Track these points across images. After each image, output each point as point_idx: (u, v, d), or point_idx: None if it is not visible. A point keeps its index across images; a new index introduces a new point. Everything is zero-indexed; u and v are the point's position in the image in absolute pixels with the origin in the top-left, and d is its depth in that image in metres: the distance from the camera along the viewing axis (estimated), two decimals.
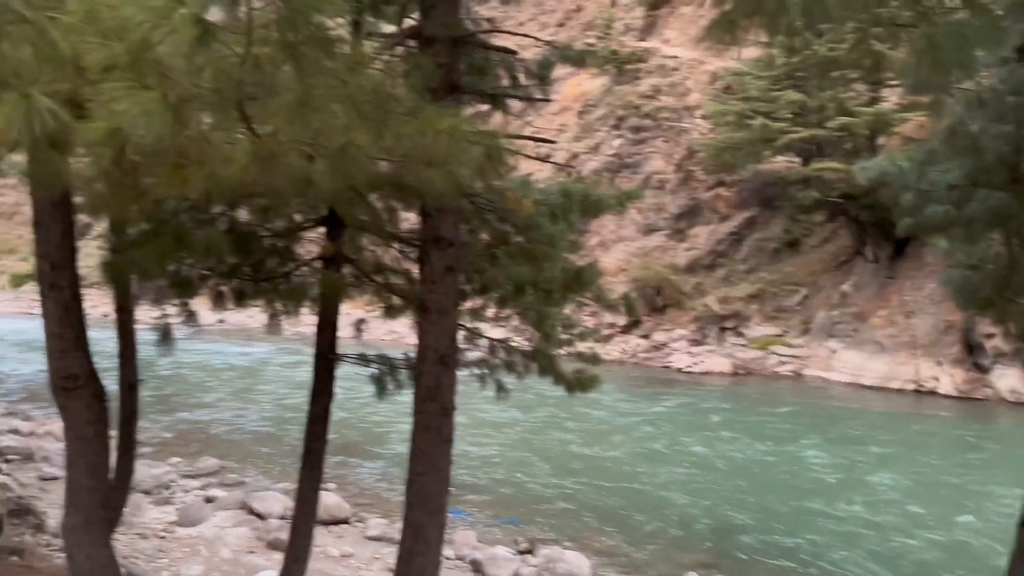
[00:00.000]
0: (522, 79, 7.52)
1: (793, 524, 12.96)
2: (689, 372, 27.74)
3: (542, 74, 7.40)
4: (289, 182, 2.73)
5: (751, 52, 28.59)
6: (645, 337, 30.88)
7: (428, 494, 5.65)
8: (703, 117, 33.99)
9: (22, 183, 6.42)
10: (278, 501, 13.34)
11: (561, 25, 42.61)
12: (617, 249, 33.73)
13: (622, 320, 28.60)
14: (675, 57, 36.62)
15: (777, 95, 29.30)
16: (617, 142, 36.27)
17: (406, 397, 6.54)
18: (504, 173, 3.04)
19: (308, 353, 7.18)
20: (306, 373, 7.18)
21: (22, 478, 13.32)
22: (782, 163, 31.17)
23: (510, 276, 6.24)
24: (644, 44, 38.22)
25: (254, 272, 6.69)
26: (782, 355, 27.96)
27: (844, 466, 16.55)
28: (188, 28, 1.94)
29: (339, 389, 7.11)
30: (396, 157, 2.89)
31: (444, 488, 5.80)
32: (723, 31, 2.83)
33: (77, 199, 4.88)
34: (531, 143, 7.32)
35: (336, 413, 7.29)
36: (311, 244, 7.27)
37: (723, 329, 30.30)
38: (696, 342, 30.00)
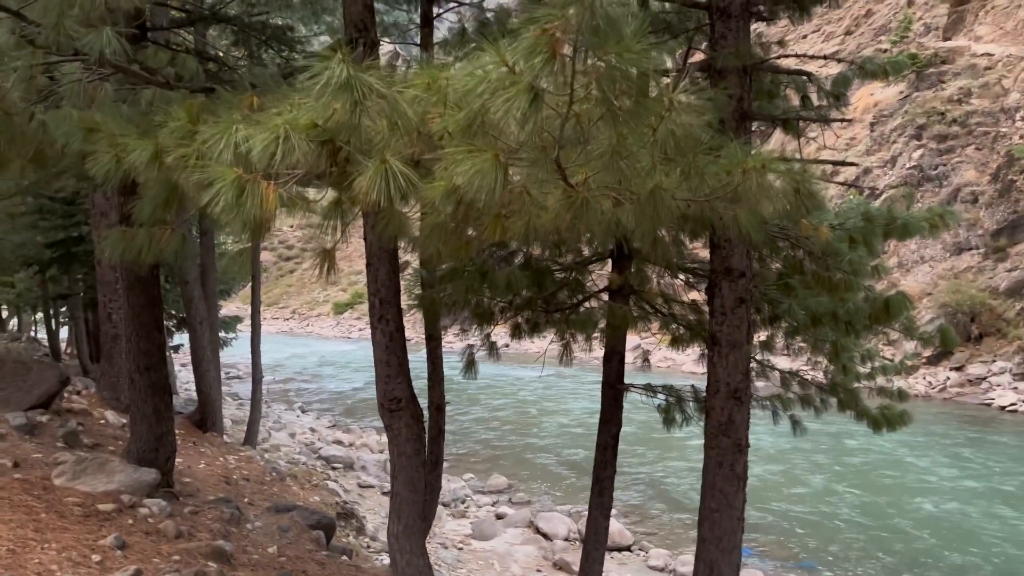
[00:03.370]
0: (814, 99, 7.15)
1: None
2: (1016, 411, 24.06)
3: (837, 93, 6.98)
4: (599, 226, 2.86)
5: None
6: (957, 370, 27.39)
7: (722, 531, 5.51)
8: None
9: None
10: (563, 522, 13.77)
11: (849, 33, 39.83)
12: (920, 271, 30.44)
13: (927, 350, 25.66)
14: (988, 55, 32.43)
15: None
16: (917, 153, 32.85)
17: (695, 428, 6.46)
18: (814, 208, 2.92)
19: (586, 379, 7.39)
20: (584, 397, 7.38)
21: (345, 484, 15.14)
22: None
23: (806, 307, 5.91)
24: (949, 44, 34.37)
25: (546, 304, 7.05)
26: None
27: None
28: (523, 96, 2.13)
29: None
30: (700, 197, 2.89)
31: (738, 526, 5.61)
32: None
33: (402, 243, 5.50)
34: (816, 154, 6.92)
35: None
36: (598, 276, 7.50)
37: None
38: (1022, 376, 25.97)
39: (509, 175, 2.56)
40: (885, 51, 36.12)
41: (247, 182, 2.59)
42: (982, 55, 32.63)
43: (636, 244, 5.71)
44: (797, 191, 2.97)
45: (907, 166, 32.96)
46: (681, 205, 2.88)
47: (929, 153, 32.49)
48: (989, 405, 24.98)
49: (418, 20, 8.42)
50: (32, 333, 32.71)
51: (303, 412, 24.85)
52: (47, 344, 22.92)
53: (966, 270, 29.57)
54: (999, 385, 25.86)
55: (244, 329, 19.28)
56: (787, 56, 6.09)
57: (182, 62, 4.81)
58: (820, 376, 7.50)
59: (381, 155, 2.58)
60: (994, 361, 27.05)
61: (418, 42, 8.03)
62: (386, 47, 8.41)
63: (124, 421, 10.19)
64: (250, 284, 17.03)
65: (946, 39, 34.92)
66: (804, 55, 6.44)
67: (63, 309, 21.03)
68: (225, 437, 14.29)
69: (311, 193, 3.37)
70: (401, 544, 5.86)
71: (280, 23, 10.55)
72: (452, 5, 7.97)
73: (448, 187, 2.51)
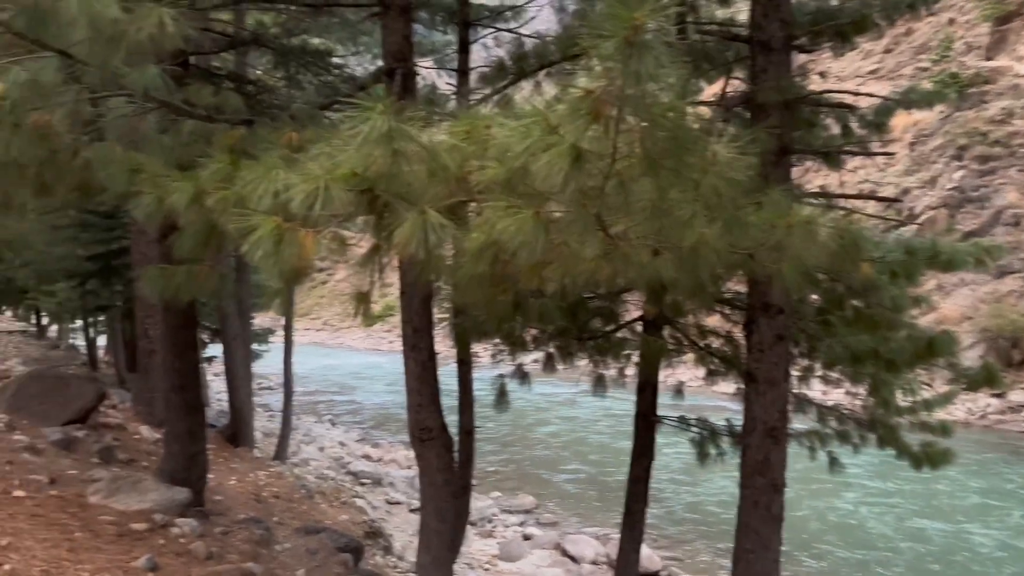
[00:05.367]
0: (855, 128, 7.04)
1: None
2: None
3: (880, 122, 6.88)
4: (639, 278, 2.81)
5: None
6: (998, 396, 26.69)
7: (756, 573, 5.39)
8: None
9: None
10: (590, 545, 13.63)
11: (888, 51, 39.28)
12: (960, 294, 29.77)
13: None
14: None
15: None
16: (958, 174, 32.22)
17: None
18: (859, 257, 2.85)
19: (618, 400, 7.32)
20: (615, 420, 7.30)
21: (373, 501, 15.15)
22: None
23: (846, 344, 5.79)
24: (991, 63, 33.74)
25: (579, 332, 6.99)
26: None
27: None
28: (566, 156, 2.10)
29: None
30: (743, 249, 2.83)
31: (774, 568, 5.49)
32: None
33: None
34: (852, 175, 6.80)
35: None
36: (632, 304, 7.43)
37: None
38: None
39: (549, 229, 2.53)
40: (926, 70, 35.62)
41: (286, 230, 2.59)
42: None
43: (676, 295, 5.63)
44: (843, 242, 2.90)
45: (947, 187, 32.35)
46: (723, 256, 2.82)
47: (970, 174, 31.87)
48: None
49: (455, 43, 8.47)
50: (70, 341, 33.36)
51: (332, 425, 24.96)
52: (85, 352, 23.35)
53: (1008, 294, 28.88)
54: None
55: (276, 341, 19.45)
56: (831, 92, 5.98)
57: (224, 97, 4.87)
58: (857, 407, 7.33)
59: (420, 205, 2.57)
60: None
61: (455, 67, 8.06)
62: (425, 71, 8.47)
63: (158, 436, 10.30)
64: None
65: (988, 59, 34.29)
66: (843, 91, 6.32)
67: (101, 319, 21.39)
68: (256, 452, 14.40)
69: (348, 231, 3.37)
70: (429, 574, 5.82)
71: (318, 45, 10.67)
72: (488, 31, 8.00)
73: (488, 241, 2.49)
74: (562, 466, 20.21)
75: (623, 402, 7.24)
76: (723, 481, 16.89)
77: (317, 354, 44.88)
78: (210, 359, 20.34)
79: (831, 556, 13.77)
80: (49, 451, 7.99)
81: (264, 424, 20.47)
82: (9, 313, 38.31)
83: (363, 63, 13.19)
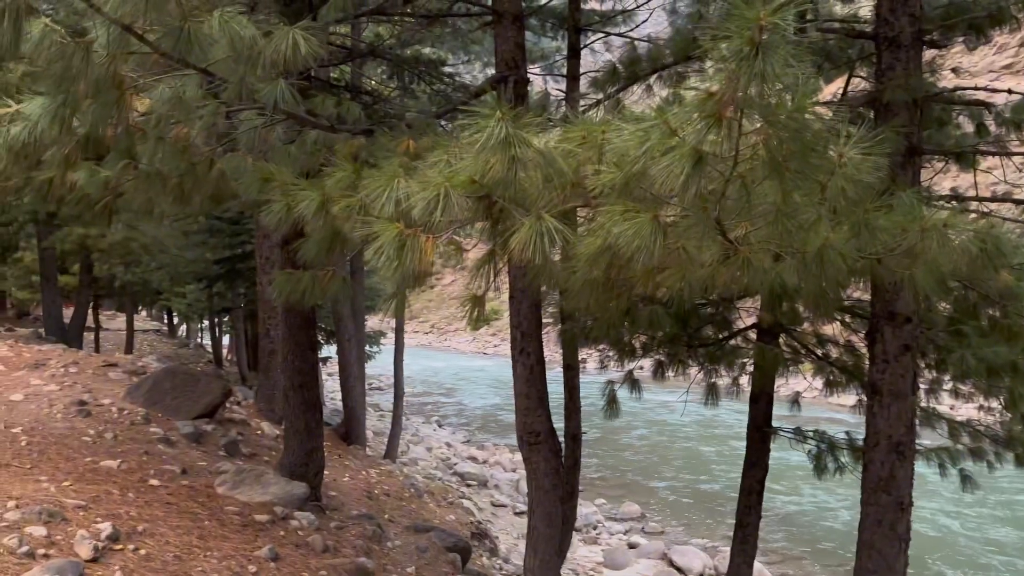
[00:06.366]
0: (990, 126, 6.62)
1: None
2: None
3: (1017, 120, 6.43)
4: (758, 282, 2.73)
5: None
6: None
7: None
8: None
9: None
10: (698, 557, 13.33)
11: None
12: None
13: None
14: None
15: None
16: None
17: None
18: (1002, 266, 2.67)
19: (730, 410, 7.12)
20: (727, 430, 7.11)
21: (479, 502, 15.36)
22: None
23: (981, 357, 5.42)
24: None
25: (690, 339, 6.86)
26: None
27: None
28: (686, 160, 2.08)
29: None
30: (872, 254, 2.71)
31: None
32: None
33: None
34: (984, 176, 6.38)
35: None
36: (746, 310, 7.23)
37: None
38: None
39: (666, 234, 2.50)
40: None
41: (408, 236, 2.67)
42: None
43: (797, 302, 5.44)
44: (983, 246, 2.73)
45: None
46: (850, 262, 2.71)
47: None
48: None
49: (565, 50, 8.49)
50: (198, 340, 35.46)
51: (439, 426, 25.45)
52: (211, 351, 24.79)
53: None
54: None
55: (387, 343, 20.03)
56: (964, 89, 5.64)
57: (346, 107, 5.08)
58: (991, 422, 6.87)
59: (536, 211, 2.59)
60: None
61: (565, 73, 8.09)
62: (534, 77, 8.54)
63: (278, 432, 10.80)
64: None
65: None
66: (976, 73, 5.94)
67: (226, 319, 22.65)
68: (367, 450, 14.86)
69: (463, 238, 3.44)
70: None
71: (431, 55, 10.95)
72: (599, 36, 7.99)
73: (603, 246, 2.48)
74: (668, 475, 19.87)
75: (732, 412, 7.06)
76: (838, 497, 16.18)
77: (425, 356, 45.94)
78: (325, 359, 21.21)
79: None
80: (181, 443, 8.51)
81: (375, 424, 21.12)
82: (144, 313, 41.13)
83: (472, 72, 13.43)
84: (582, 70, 7.94)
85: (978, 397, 6.84)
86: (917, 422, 6.23)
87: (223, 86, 3.59)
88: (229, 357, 26.06)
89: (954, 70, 6.37)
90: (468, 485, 17.00)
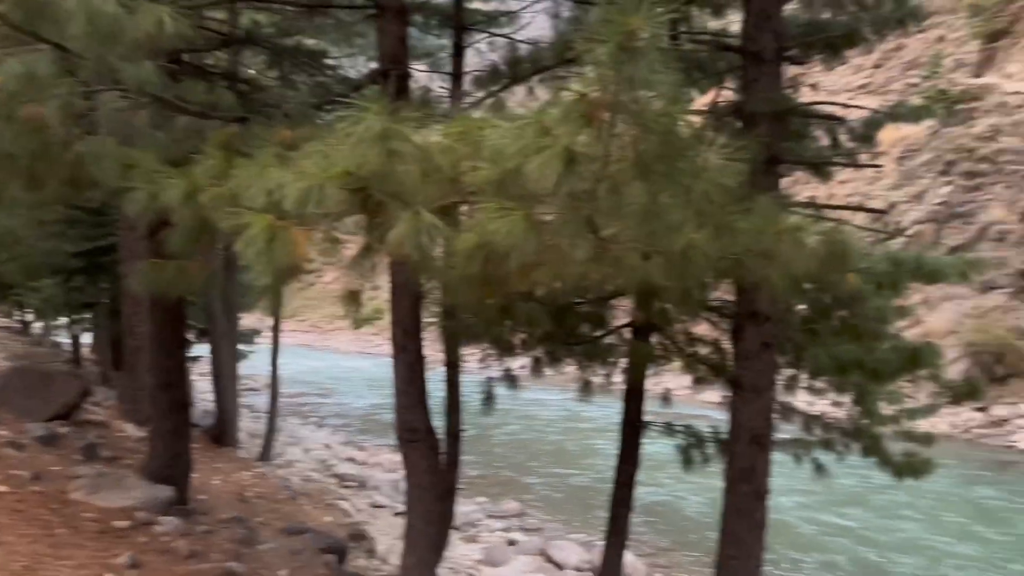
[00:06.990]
0: (843, 140, 7.11)
1: None
2: None
3: (867, 135, 6.95)
4: (627, 279, 2.83)
5: None
6: (981, 410, 26.90)
7: None
8: None
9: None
10: (574, 552, 13.62)
11: (878, 66, 39.68)
12: (946, 308, 30.00)
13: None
14: (1019, 93, 32.14)
15: None
16: (945, 190, 32.51)
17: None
18: (848, 266, 2.88)
19: (604, 407, 7.36)
20: (601, 426, 7.34)
21: (358, 504, 15.10)
22: None
23: (833, 354, 5.84)
24: (980, 80, 34.12)
25: (568, 337, 7.01)
26: None
27: None
28: (559, 159, 2.13)
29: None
30: (732, 254, 2.86)
31: (757, 574, 5.52)
32: None
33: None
34: (841, 187, 6.88)
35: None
36: (621, 309, 7.46)
37: None
38: None
39: (540, 232, 2.55)
40: (915, 85, 35.94)
41: (278, 228, 2.61)
42: (1013, 93, 32.35)
43: (665, 301, 5.67)
44: (831, 249, 2.94)
45: (934, 202, 32.63)
46: (712, 261, 2.85)
47: (957, 190, 32.16)
48: (1011, 448, 24.51)
49: (451, 48, 8.48)
50: (55, 338, 33.09)
51: (318, 427, 24.86)
52: (70, 350, 23.19)
53: (993, 309, 29.13)
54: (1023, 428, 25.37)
55: (263, 341, 19.36)
56: (820, 103, 6.04)
57: (217, 94, 4.88)
58: (843, 415, 7.39)
59: (413, 206, 2.58)
60: (1019, 404, 26.55)
61: (449, 71, 8.08)
62: (419, 73, 8.49)
63: (142, 434, 10.24)
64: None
65: (977, 76, 34.68)
66: (832, 102, 6.38)
67: (86, 316, 21.26)
68: (241, 452, 14.34)
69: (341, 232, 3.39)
70: None
71: (313, 45, 10.67)
72: (483, 36, 8.03)
73: (480, 242, 2.50)
74: (548, 472, 20.20)
75: (599, 408, 7.32)
76: (709, 489, 16.96)
77: (304, 356, 44.68)
78: (196, 358, 20.26)
79: (813, 562, 13.85)
80: (32, 447, 7.93)
81: (249, 425, 20.36)
82: None
83: (356, 65, 13.19)
84: (469, 69, 7.97)
85: (831, 393, 7.35)
86: (776, 416, 6.63)
87: (80, 64, 3.37)
88: (90, 356, 24.46)
89: (812, 86, 6.82)
90: (347, 486, 16.68)
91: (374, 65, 6.35)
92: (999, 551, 14.98)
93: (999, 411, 26.64)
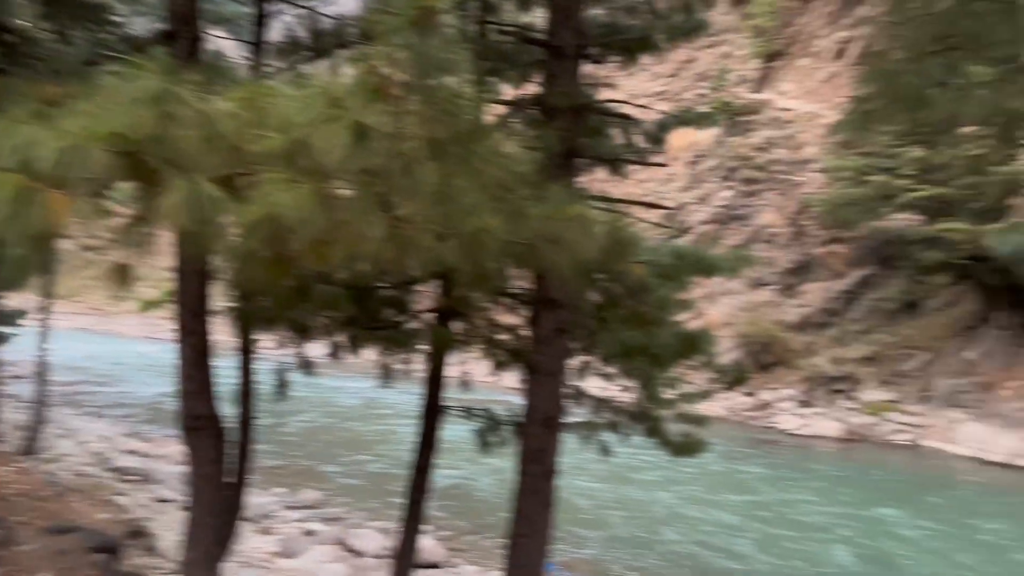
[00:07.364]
0: (637, 140, 7.55)
1: None
2: (796, 435, 26.57)
3: (659, 136, 7.41)
4: (421, 260, 2.83)
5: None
6: (750, 395, 29.84)
7: (528, 557, 5.62)
8: (820, 171, 33.04)
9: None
10: (374, 539, 13.53)
11: (673, 76, 42.59)
12: (723, 302, 32.95)
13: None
14: (790, 110, 35.89)
15: (900, 151, 28.12)
16: (727, 193, 35.67)
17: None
18: (629, 253, 3.06)
19: (406, 394, 7.35)
20: (403, 413, 7.33)
21: (140, 499, 14.05)
22: (902, 221, 29.79)
23: (620, 340, 6.19)
24: (758, 96, 37.68)
25: (369, 321, 6.90)
26: (897, 423, 26.38)
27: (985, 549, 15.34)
28: (347, 131, 2.06)
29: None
30: (523, 239, 2.94)
31: (544, 552, 5.75)
32: (859, 126, 2.77)
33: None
34: (637, 186, 7.34)
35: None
36: (423, 296, 7.45)
37: (834, 391, 28.92)
38: (804, 403, 28.74)
39: (331, 207, 2.47)
40: (704, 96, 38.98)
41: (31, 191, 2.33)
42: (785, 109, 36.04)
43: (460, 284, 5.74)
44: (615, 240, 3.10)
45: (717, 204, 35.68)
46: (504, 245, 2.91)
47: (737, 194, 35.39)
48: (773, 428, 27.45)
49: (253, 15, 8.03)
50: None
51: (97, 418, 22.83)
52: None
53: (763, 304, 32.39)
54: (783, 411, 28.45)
55: (29, 324, 17.40)
56: (616, 101, 6.37)
57: None
58: (629, 399, 7.86)
59: (191, 174, 2.41)
60: (781, 389, 29.74)
61: (251, 39, 7.65)
62: (220, 40, 7.98)
63: None
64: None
65: (756, 91, 38.25)
66: (628, 102, 6.76)
67: None
68: (2, 446, 12.83)
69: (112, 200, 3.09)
70: (198, 572, 5.49)
71: None
72: (287, 4, 7.68)
73: (264, 215, 2.38)
74: (348, 460, 19.89)
75: (395, 393, 7.32)
76: (504, 471, 17.48)
77: (82, 340, 40.83)
78: None
79: (600, 537, 14.72)
80: None
81: (12, 416, 18.27)
82: None
83: (146, 25, 12.16)
84: (272, 40, 7.58)
85: (620, 378, 7.80)
86: (570, 400, 6.94)
87: None
88: None
89: (611, 86, 7.17)
90: (128, 481, 15.45)
91: (162, 25, 5.87)
92: (746, 516, 16.80)
93: (765, 396, 29.69)
